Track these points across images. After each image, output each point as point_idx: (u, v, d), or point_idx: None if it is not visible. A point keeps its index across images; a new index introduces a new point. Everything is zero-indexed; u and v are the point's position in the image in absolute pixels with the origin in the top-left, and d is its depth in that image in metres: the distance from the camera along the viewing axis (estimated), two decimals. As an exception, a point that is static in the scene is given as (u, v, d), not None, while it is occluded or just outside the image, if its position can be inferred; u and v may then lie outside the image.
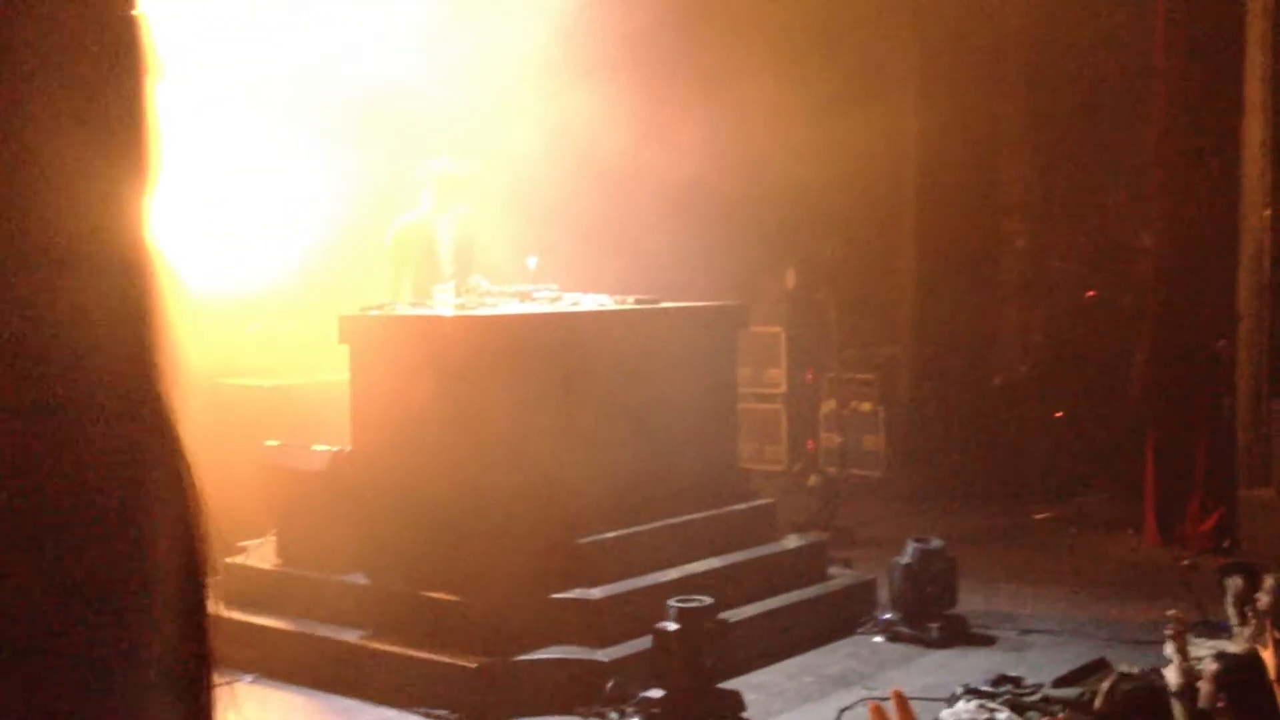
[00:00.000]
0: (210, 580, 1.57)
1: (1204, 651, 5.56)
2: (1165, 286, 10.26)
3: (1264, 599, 5.55)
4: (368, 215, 8.63)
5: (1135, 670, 5.37)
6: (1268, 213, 9.46)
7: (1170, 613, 5.59)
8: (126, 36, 1.70)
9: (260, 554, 7.87)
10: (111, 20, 1.68)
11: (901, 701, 3.61)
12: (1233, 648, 5.46)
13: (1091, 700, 4.64)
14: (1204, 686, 4.69)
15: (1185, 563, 8.70)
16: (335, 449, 7.61)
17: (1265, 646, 5.27)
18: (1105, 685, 4.79)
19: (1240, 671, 4.63)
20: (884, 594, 8.09)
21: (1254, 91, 9.48)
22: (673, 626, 6.29)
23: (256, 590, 7.64)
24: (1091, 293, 12.81)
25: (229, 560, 7.84)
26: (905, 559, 7.74)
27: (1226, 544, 9.20)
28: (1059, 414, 12.27)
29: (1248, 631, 5.78)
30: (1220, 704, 4.55)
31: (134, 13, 1.64)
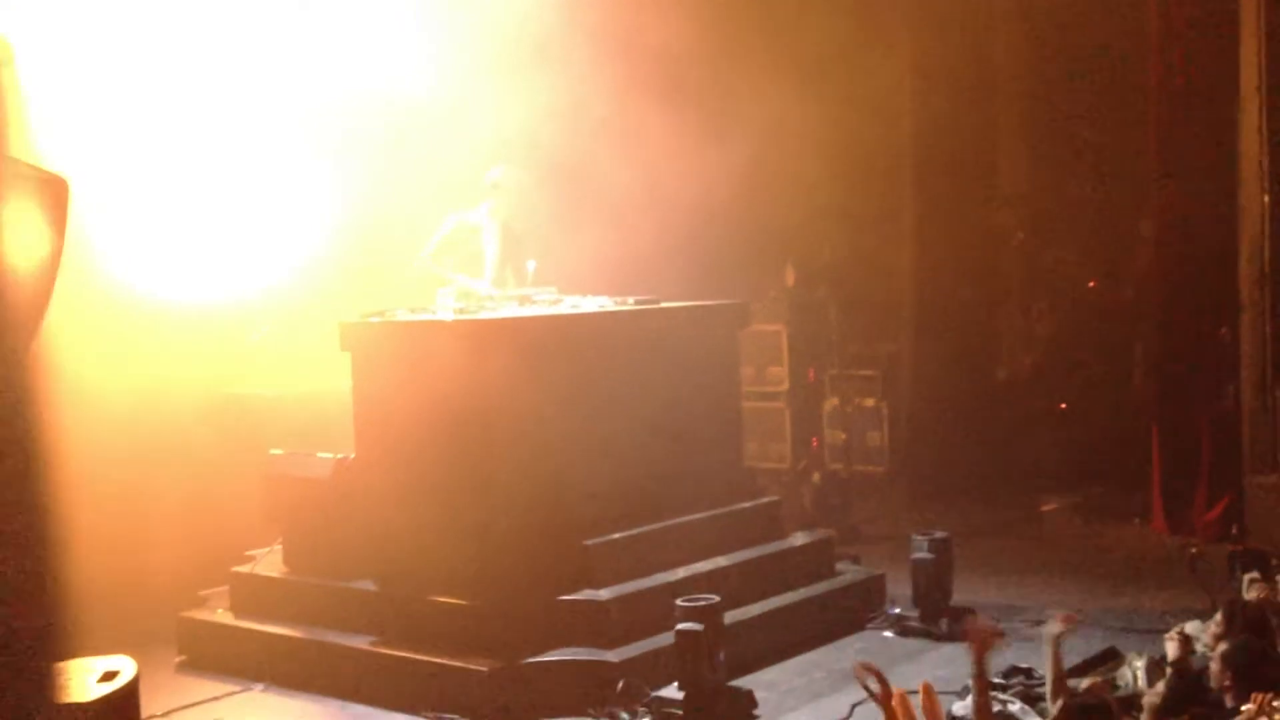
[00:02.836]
0: (47, 555, 1.55)
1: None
2: (1166, 276, 10.25)
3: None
4: (369, 224, 8.63)
5: (1143, 662, 5.40)
6: (1266, 199, 9.44)
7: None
8: None
9: (267, 562, 7.87)
10: None
11: (928, 694, 3.61)
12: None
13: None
14: (1214, 666, 4.71)
15: (1193, 551, 8.72)
16: (339, 456, 7.61)
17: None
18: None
19: (1249, 651, 4.65)
20: (897, 589, 8.08)
21: (1250, 78, 9.47)
22: (697, 628, 6.27)
23: (265, 598, 7.65)
24: (1093, 284, 12.80)
25: (237, 569, 7.84)
26: (926, 554, 7.71)
27: (1234, 531, 9.18)
28: (1063, 406, 12.26)
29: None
30: (1228, 683, 4.57)
31: None
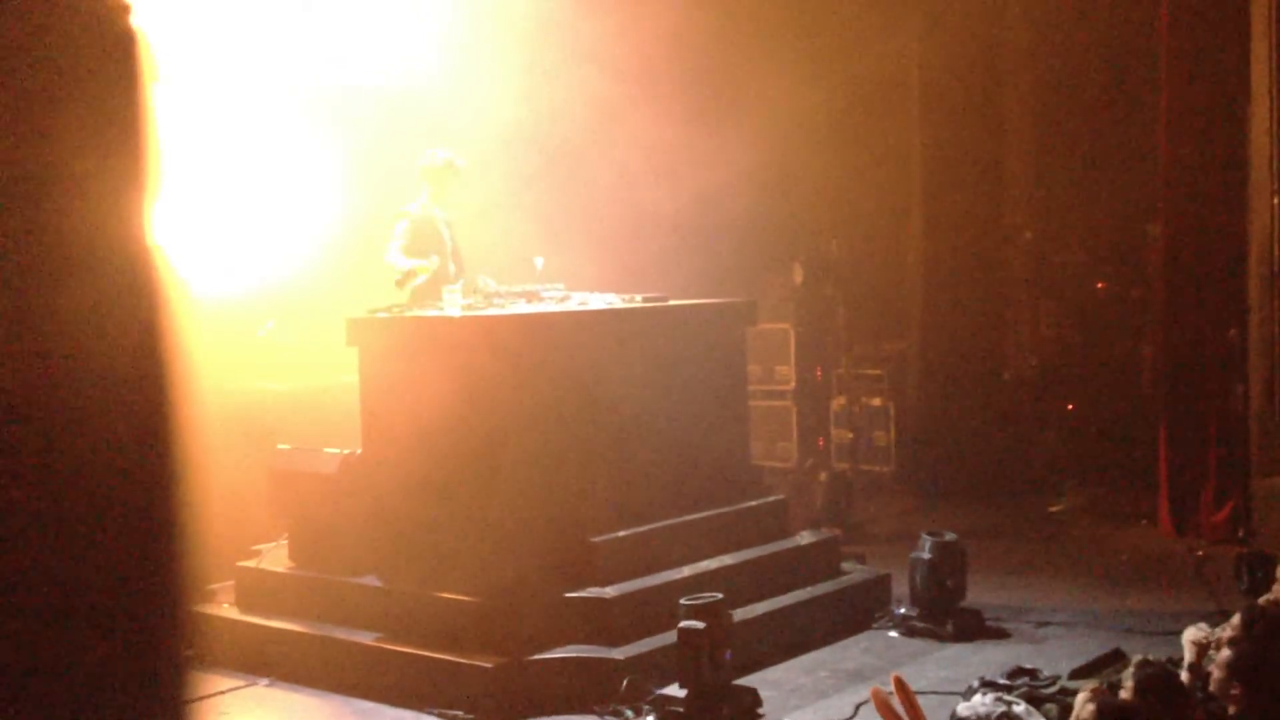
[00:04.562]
0: (193, 584, 1.58)
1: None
2: (1174, 277, 10.22)
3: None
4: (376, 217, 8.62)
5: (1152, 658, 5.35)
6: (1276, 200, 9.41)
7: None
8: (124, 46, 1.69)
9: (273, 557, 7.87)
10: (109, 31, 1.68)
11: (902, 686, 3.60)
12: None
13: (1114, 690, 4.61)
14: (1216, 673, 4.66)
15: (1199, 553, 8.69)
16: (346, 452, 7.61)
17: None
18: (1129, 673, 4.75)
19: (1253, 659, 4.59)
20: (900, 589, 8.08)
21: (1261, 78, 9.43)
22: (700, 625, 6.27)
23: (270, 593, 7.66)
24: (1101, 284, 12.77)
25: (242, 564, 7.84)
26: (925, 554, 7.71)
27: (1241, 533, 9.16)
28: (1070, 406, 12.24)
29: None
30: (1235, 691, 4.52)
31: (131, 23, 1.63)
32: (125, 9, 1.72)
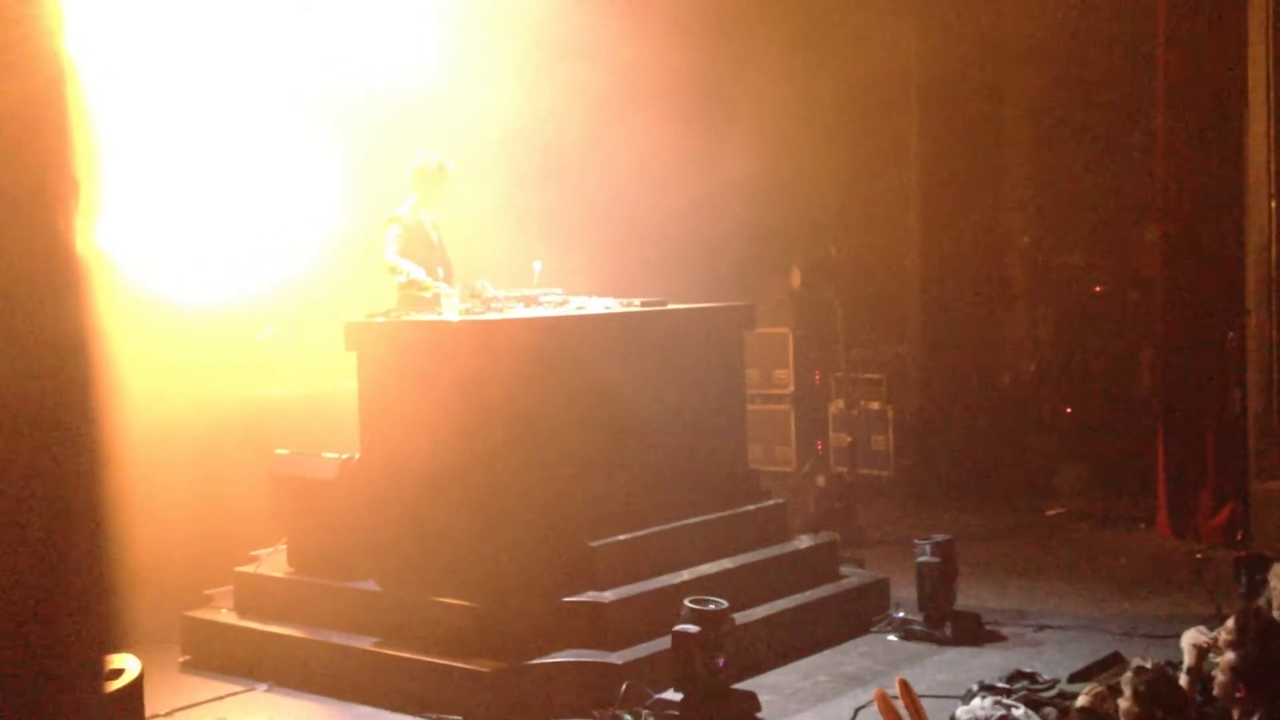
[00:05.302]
0: (113, 587, 1.58)
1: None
2: (1172, 281, 10.23)
3: (1276, 584, 5.53)
4: (375, 221, 8.62)
5: (1149, 664, 5.35)
6: (1273, 203, 9.43)
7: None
8: (42, 48, 1.69)
9: (271, 563, 7.87)
10: (29, 36, 1.67)
11: (906, 689, 3.60)
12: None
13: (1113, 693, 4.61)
14: (1219, 676, 4.65)
15: (1198, 556, 8.69)
16: (344, 456, 7.61)
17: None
18: (1128, 677, 4.74)
19: (1258, 661, 4.59)
20: (901, 593, 8.08)
21: (1257, 81, 9.45)
22: (693, 629, 6.27)
23: (269, 599, 7.65)
24: (1099, 288, 12.78)
25: (241, 569, 7.84)
26: (928, 557, 7.70)
27: (1239, 537, 9.16)
28: (1068, 410, 12.24)
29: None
30: (1239, 694, 4.51)
31: (50, 26, 1.62)
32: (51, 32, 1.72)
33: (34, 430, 1.55)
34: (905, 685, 5.10)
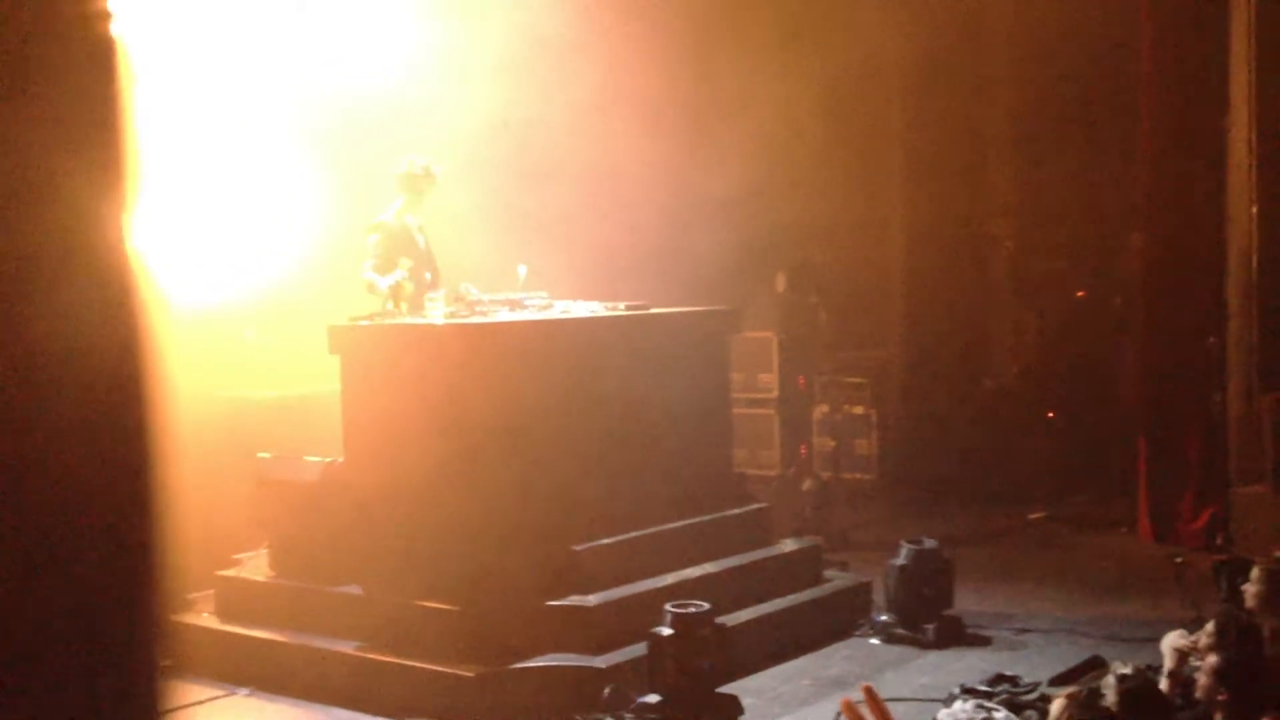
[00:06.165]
0: (170, 597, 1.59)
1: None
2: (1154, 286, 10.28)
3: (1252, 588, 5.56)
4: (359, 223, 8.60)
5: (1129, 670, 5.38)
6: (1254, 209, 9.48)
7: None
8: (103, 51, 1.69)
9: (254, 566, 7.85)
10: (87, 36, 1.68)
11: (872, 696, 3.62)
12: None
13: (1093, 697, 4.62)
14: (1202, 679, 4.67)
15: (1179, 560, 8.72)
16: (328, 460, 7.59)
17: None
18: (1109, 681, 4.76)
19: (1241, 666, 4.62)
20: (880, 597, 8.10)
21: (1239, 89, 9.50)
22: (666, 631, 6.28)
23: (251, 603, 7.63)
24: (1081, 293, 12.83)
25: (223, 573, 7.82)
26: (900, 560, 7.75)
27: (1219, 541, 9.20)
28: (1050, 414, 12.29)
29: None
30: (1221, 697, 4.54)
31: (111, 30, 1.63)
32: (106, 16, 1.71)
33: (95, 441, 1.55)
34: (871, 692, 5.10)
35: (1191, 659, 5.35)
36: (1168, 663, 5.42)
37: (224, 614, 7.69)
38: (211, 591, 7.82)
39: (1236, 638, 4.98)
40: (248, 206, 9.28)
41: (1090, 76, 11.94)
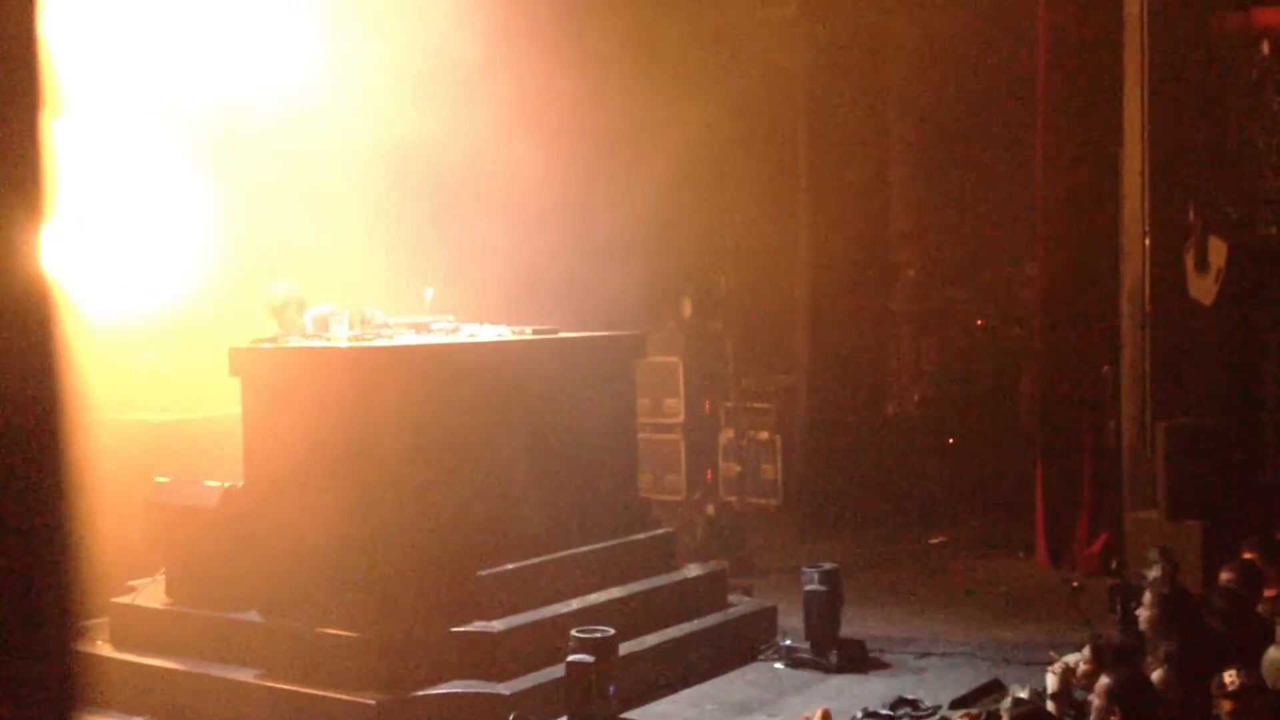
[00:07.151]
0: (83, 614, 1.57)
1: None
2: (1050, 315, 10.52)
3: (1144, 613, 5.70)
4: (261, 246, 8.50)
5: (1025, 693, 5.50)
6: (1147, 241, 9.73)
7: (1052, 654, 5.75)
8: (24, 70, 1.66)
9: (149, 593, 7.67)
10: (9, 54, 1.64)
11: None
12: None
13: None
14: (1095, 700, 4.78)
15: (1074, 584, 8.90)
16: (227, 484, 7.46)
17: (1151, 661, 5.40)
18: (1006, 705, 4.87)
19: (1131, 685, 4.73)
20: (788, 621, 8.14)
21: (1132, 121, 9.75)
22: (588, 659, 6.24)
23: (146, 630, 7.45)
24: (981, 321, 13.09)
25: (117, 600, 7.63)
26: (815, 585, 7.76)
27: (1114, 565, 9.40)
28: (950, 440, 12.49)
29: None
30: (1114, 717, 4.64)
31: (34, 47, 1.60)
32: (28, 35, 1.68)
33: (6, 453, 1.52)
34: (827, 715, 5.21)
35: (1073, 681, 5.50)
36: (1050, 686, 5.56)
37: (119, 642, 7.50)
38: (106, 619, 7.63)
39: (1113, 657, 5.13)
40: (145, 226, 9.10)
41: (988, 110, 12.21)
